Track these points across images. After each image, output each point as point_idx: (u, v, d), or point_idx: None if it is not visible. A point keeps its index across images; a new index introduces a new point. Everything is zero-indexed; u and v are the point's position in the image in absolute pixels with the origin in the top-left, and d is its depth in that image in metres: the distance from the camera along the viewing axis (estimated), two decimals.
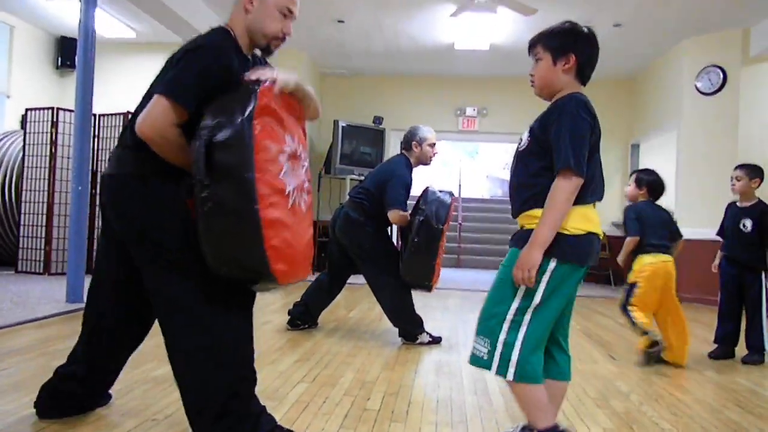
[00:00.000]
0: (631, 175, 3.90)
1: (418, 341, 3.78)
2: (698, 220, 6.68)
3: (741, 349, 3.77)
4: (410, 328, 3.80)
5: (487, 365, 1.79)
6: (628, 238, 3.58)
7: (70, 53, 8.13)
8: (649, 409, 2.63)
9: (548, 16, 6.27)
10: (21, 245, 6.49)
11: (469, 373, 3.12)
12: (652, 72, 8.34)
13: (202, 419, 1.80)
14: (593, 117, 1.77)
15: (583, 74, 1.87)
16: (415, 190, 3.90)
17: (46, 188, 6.39)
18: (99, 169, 6.32)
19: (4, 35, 7.83)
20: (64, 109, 6.47)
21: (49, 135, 6.42)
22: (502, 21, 6.76)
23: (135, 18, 7.41)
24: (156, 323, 1.94)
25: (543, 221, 1.73)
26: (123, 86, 8.30)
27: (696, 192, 6.94)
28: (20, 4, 7.33)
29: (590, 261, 1.82)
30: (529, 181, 1.84)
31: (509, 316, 1.77)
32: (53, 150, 6.40)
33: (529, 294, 1.76)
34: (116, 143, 2.00)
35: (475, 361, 1.84)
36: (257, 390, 1.91)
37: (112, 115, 6.67)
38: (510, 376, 1.75)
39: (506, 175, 16.58)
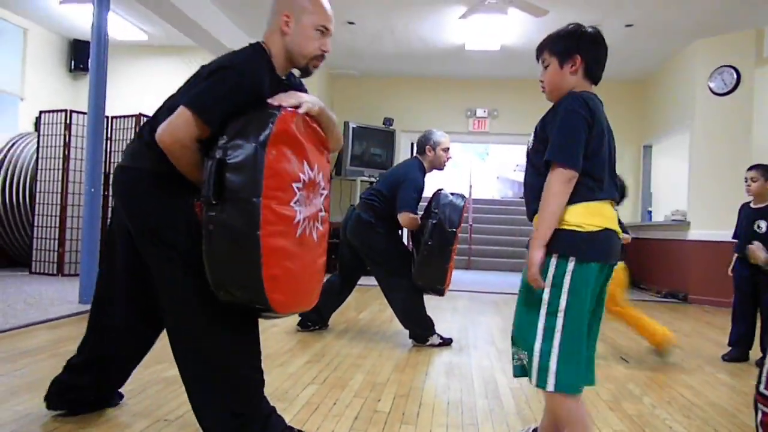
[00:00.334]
0: None
1: (428, 343, 3.78)
2: (711, 222, 6.62)
3: (755, 352, 3.73)
4: (421, 331, 3.79)
5: (527, 375, 1.75)
6: None
7: (83, 56, 8.20)
8: (662, 411, 2.61)
9: (560, 17, 6.25)
10: (34, 246, 6.55)
11: (480, 375, 3.11)
12: (664, 73, 8.28)
13: (211, 420, 1.81)
14: (592, 112, 1.72)
15: (592, 74, 1.85)
16: (427, 192, 3.89)
17: (59, 190, 6.45)
18: (111, 171, 6.36)
19: (17, 38, 7.91)
20: (78, 112, 6.53)
21: (62, 137, 6.48)
22: (513, 22, 6.74)
23: (147, 21, 7.46)
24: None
25: (539, 217, 1.72)
26: (135, 88, 8.38)
27: (709, 193, 6.87)
28: (34, 8, 7.40)
29: (611, 258, 1.76)
30: (538, 182, 1.82)
31: (540, 324, 1.71)
32: (66, 152, 6.46)
33: (554, 297, 1.70)
34: (135, 135, 2.00)
35: (517, 372, 1.80)
36: (267, 391, 1.92)
37: (124, 117, 6.71)
38: (550, 386, 1.69)
39: (517, 177, 16.56)
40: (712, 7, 6.21)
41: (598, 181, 1.75)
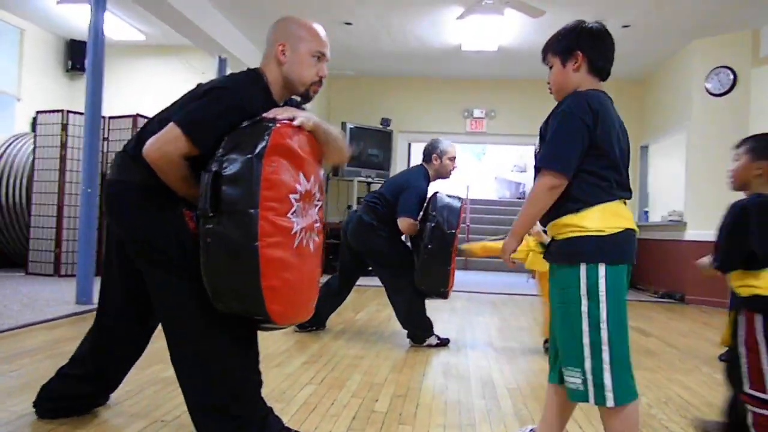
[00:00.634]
0: None
1: (426, 343, 3.78)
2: (708, 222, 6.57)
3: None
4: (420, 332, 3.80)
5: (584, 398, 1.66)
6: None
7: (79, 56, 8.18)
8: (659, 411, 2.62)
9: (556, 17, 6.25)
10: (31, 247, 6.53)
11: (478, 375, 3.11)
12: (661, 73, 8.30)
13: (207, 422, 1.80)
14: (594, 112, 1.69)
15: (597, 69, 1.82)
16: None
17: (56, 190, 6.43)
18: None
19: (14, 39, 7.90)
20: (74, 112, 6.51)
21: (59, 138, 6.45)
22: (510, 23, 6.74)
23: (144, 21, 7.45)
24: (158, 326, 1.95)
25: (520, 213, 1.76)
26: (132, 89, 8.37)
27: (706, 194, 6.88)
28: (30, 8, 7.39)
29: (633, 258, 1.73)
30: None
31: (586, 339, 1.65)
32: (63, 152, 6.44)
33: (593, 310, 1.65)
34: (121, 148, 2.01)
35: (574, 395, 1.70)
36: (265, 392, 1.92)
37: (121, 117, 6.70)
38: (609, 402, 1.62)
39: (514, 177, 16.58)
40: (708, 7, 6.22)
41: (612, 181, 1.73)
